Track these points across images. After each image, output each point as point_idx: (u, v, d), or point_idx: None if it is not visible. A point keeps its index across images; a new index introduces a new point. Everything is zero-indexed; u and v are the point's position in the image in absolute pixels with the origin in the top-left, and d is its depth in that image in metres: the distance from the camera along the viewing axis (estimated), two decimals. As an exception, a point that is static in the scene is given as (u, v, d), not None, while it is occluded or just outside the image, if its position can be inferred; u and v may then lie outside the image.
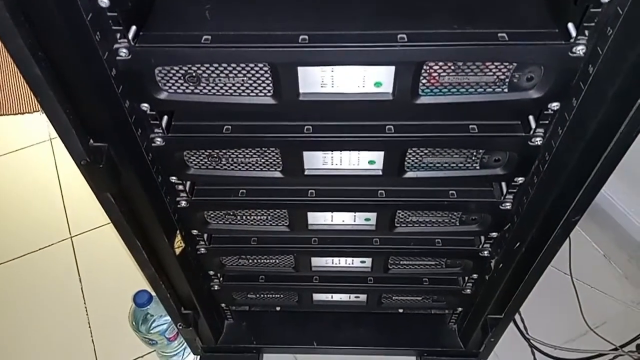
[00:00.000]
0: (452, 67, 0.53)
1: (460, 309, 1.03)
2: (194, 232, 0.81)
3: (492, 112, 0.62)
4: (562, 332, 1.17)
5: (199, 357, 1.12)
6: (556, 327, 1.17)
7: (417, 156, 0.66)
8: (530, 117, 0.60)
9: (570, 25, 0.49)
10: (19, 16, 0.40)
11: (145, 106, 0.58)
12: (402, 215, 0.78)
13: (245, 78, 0.55)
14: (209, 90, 0.57)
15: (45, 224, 1.45)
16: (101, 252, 1.37)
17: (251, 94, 0.56)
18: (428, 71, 0.54)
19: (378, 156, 0.66)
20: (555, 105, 0.56)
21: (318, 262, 0.90)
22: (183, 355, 1.14)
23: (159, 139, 0.62)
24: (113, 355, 1.19)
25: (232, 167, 0.69)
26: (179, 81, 0.56)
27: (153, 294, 0.96)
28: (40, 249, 1.40)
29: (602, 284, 1.25)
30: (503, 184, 0.71)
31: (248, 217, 0.79)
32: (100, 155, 0.53)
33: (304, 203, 0.74)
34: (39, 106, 0.48)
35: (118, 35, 0.50)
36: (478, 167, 0.67)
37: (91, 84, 0.50)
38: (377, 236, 0.82)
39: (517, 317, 1.16)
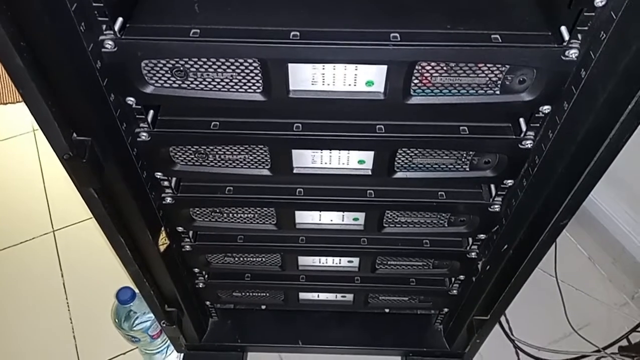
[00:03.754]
0: (445, 68, 0.53)
1: (446, 309, 1.03)
2: (179, 229, 0.80)
3: (483, 114, 0.62)
4: (546, 333, 1.18)
5: (182, 355, 1.11)
6: (540, 328, 1.18)
7: (407, 157, 0.66)
8: (521, 120, 0.60)
9: (564, 29, 0.49)
10: (1, 4, 0.39)
11: (130, 100, 0.57)
12: (391, 215, 0.77)
13: (234, 73, 0.54)
14: (197, 85, 0.55)
15: (27, 217, 1.42)
16: (84, 247, 1.34)
17: (240, 89, 0.55)
18: (420, 71, 0.53)
19: (368, 156, 0.66)
20: (546, 109, 0.56)
21: (305, 261, 0.90)
22: (166, 352, 1.13)
23: (144, 134, 0.61)
24: (95, 352, 1.17)
25: (219, 163, 0.68)
26: (166, 75, 0.55)
27: (136, 290, 0.95)
28: (21, 243, 1.37)
29: (587, 286, 1.26)
30: (492, 186, 0.71)
31: (235, 215, 0.78)
32: (83, 149, 0.52)
33: (292, 201, 0.73)
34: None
35: (104, 27, 0.49)
36: (468, 169, 0.67)
37: (75, 77, 0.48)
38: (365, 236, 0.82)
39: (502, 318, 1.17)
